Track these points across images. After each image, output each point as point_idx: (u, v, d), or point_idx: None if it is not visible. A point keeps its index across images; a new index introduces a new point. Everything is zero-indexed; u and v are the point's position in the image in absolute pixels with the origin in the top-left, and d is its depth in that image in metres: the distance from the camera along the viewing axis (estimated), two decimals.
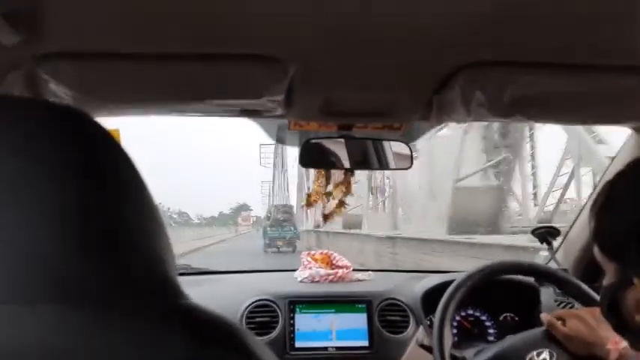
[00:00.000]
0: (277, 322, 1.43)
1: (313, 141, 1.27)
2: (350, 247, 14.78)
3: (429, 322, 1.39)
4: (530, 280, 1.43)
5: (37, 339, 0.32)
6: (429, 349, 1.16)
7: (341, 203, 1.40)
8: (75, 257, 0.35)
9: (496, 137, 12.57)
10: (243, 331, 0.39)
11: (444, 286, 1.21)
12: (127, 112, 1.06)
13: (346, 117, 1.17)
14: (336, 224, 17.66)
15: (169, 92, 0.96)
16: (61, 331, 0.33)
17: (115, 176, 0.39)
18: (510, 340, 1.11)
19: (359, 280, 1.64)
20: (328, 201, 1.38)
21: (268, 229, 23.05)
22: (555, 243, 1.50)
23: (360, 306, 1.46)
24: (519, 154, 12.54)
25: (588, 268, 1.42)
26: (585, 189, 10.10)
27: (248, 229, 49.11)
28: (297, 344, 1.42)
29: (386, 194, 18.86)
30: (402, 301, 1.48)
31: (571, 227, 1.55)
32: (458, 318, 1.46)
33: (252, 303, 1.46)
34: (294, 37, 0.79)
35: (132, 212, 0.39)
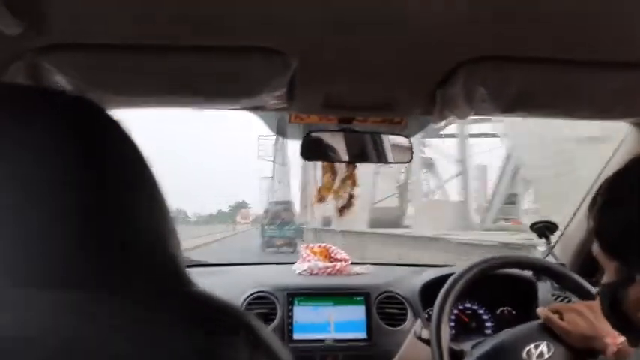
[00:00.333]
0: (275, 314, 1.44)
1: (314, 134, 1.27)
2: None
3: (427, 315, 1.40)
4: (528, 274, 1.44)
5: (52, 324, 0.33)
6: (426, 341, 1.17)
7: (351, 197, 1.40)
8: (88, 246, 0.36)
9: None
10: (251, 318, 0.40)
11: (442, 279, 1.22)
12: (127, 105, 1.06)
13: (347, 110, 1.17)
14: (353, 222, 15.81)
15: (170, 84, 0.96)
16: (74, 317, 0.34)
17: (124, 166, 0.39)
18: (508, 333, 1.12)
19: (357, 273, 1.65)
20: (339, 198, 1.38)
21: (267, 227, 21.17)
22: (553, 238, 1.52)
23: (358, 298, 1.47)
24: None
25: (586, 263, 1.43)
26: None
27: (247, 227, 48.56)
28: (296, 336, 1.42)
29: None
30: (400, 294, 1.49)
31: (569, 222, 1.56)
32: (456, 311, 1.47)
33: (251, 295, 1.46)
34: (296, 30, 0.79)
35: (142, 201, 0.39)
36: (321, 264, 1.64)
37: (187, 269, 0.41)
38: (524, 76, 0.92)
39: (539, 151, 9.39)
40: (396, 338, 1.38)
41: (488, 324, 1.48)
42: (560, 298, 1.40)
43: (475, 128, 15.73)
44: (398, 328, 1.44)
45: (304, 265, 1.64)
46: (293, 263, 1.71)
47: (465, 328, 1.47)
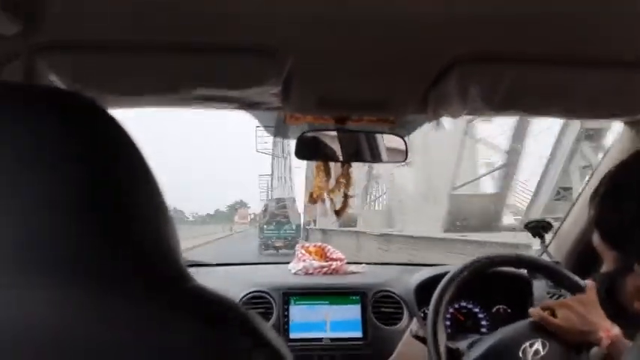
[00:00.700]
0: (272, 314, 1.44)
1: (308, 134, 1.27)
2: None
3: (422, 314, 1.41)
4: (523, 272, 1.44)
5: (52, 321, 0.33)
6: (422, 339, 1.17)
7: (346, 197, 1.40)
8: (87, 243, 0.36)
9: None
10: (250, 313, 0.41)
11: (438, 278, 1.22)
12: (122, 104, 1.06)
13: (342, 109, 1.17)
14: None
15: (166, 83, 0.96)
16: (75, 314, 0.34)
17: (123, 163, 0.40)
18: (503, 332, 1.13)
19: (353, 273, 1.65)
20: (334, 198, 1.38)
21: (265, 227, 20.32)
22: (548, 237, 1.52)
23: (354, 297, 1.47)
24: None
25: (580, 261, 1.43)
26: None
27: (245, 226, 48.13)
28: (292, 335, 1.43)
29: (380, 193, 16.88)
30: (395, 293, 1.49)
31: (563, 221, 1.56)
32: (451, 310, 1.48)
33: (247, 294, 1.47)
34: (291, 28, 0.79)
35: (140, 198, 0.40)
36: (316, 263, 1.64)
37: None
38: (517, 75, 0.92)
39: None
40: (392, 337, 1.38)
41: (484, 322, 1.49)
42: (555, 297, 1.41)
43: None
44: (394, 327, 1.44)
45: (300, 265, 1.64)
46: (288, 263, 1.71)
47: (461, 326, 1.48)
